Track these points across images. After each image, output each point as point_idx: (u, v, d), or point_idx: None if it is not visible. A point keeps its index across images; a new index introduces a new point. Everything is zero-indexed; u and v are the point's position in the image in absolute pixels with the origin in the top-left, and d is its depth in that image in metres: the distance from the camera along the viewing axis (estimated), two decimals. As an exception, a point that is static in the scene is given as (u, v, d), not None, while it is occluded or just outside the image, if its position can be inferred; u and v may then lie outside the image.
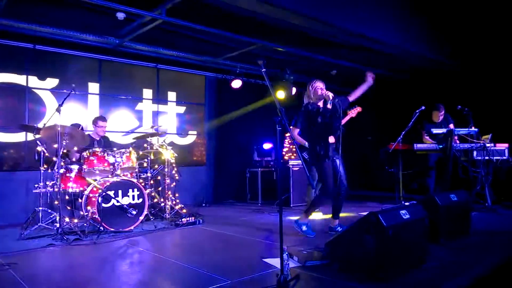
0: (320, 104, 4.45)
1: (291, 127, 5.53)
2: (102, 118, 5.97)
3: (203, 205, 7.56)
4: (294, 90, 8.42)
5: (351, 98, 4.54)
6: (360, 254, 3.00)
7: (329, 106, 4.32)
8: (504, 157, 6.41)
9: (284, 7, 5.04)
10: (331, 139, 4.51)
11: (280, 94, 8.14)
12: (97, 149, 5.17)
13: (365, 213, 3.06)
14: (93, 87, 6.83)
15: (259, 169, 7.81)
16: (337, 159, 4.49)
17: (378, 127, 10.16)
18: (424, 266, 3.19)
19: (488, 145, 6.19)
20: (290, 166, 7.33)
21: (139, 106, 7.41)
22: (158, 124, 7.32)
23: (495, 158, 6.30)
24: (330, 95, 4.25)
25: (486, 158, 6.21)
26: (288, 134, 7.20)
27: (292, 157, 8.24)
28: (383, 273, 2.83)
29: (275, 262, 3.33)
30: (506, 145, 6.42)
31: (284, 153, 8.63)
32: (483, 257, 3.43)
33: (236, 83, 8.05)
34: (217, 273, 3.15)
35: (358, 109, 5.87)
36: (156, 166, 6.06)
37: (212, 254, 3.85)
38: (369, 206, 6.87)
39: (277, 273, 2.73)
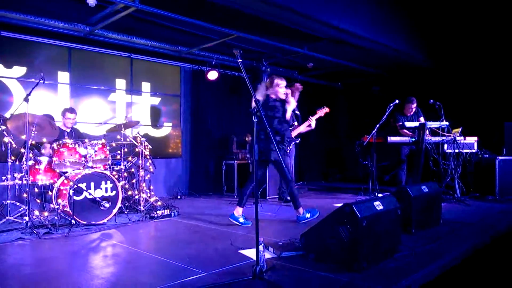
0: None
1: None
2: (70, 109, 5.85)
3: (179, 197, 7.47)
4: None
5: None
6: (335, 245, 3.03)
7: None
8: (473, 150, 6.63)
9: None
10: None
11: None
12: (68, 141, 5.03)
13: (340, 205, 3.09)
14: (63, 76, 6.61)
15: (235, 161, 7.77)
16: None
17: (354, 120, 10.31)
18: (396, 256, 3.24)
19: (458, 138, 6.35)
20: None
21: (112, 97, 7.23)
22: (132, 115, 7.16)
23: (464, 151, 6.48)
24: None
25: (456, 151, 6.38)
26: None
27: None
28: (357, 264, 2.87)
29: (251, 253, 3.33)
30: (475, 138, 6.64)
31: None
32: (453, 247, 3.52)
33: (212, 75, 7.94)
34: (192, 265, 3.12)
35: (326, 109, 6.01)
36: (130, 158, 5.94)
37: (187, 247, 3.81)
38: (344, 198, 6.96)
39: (253, 264, 2.73)
